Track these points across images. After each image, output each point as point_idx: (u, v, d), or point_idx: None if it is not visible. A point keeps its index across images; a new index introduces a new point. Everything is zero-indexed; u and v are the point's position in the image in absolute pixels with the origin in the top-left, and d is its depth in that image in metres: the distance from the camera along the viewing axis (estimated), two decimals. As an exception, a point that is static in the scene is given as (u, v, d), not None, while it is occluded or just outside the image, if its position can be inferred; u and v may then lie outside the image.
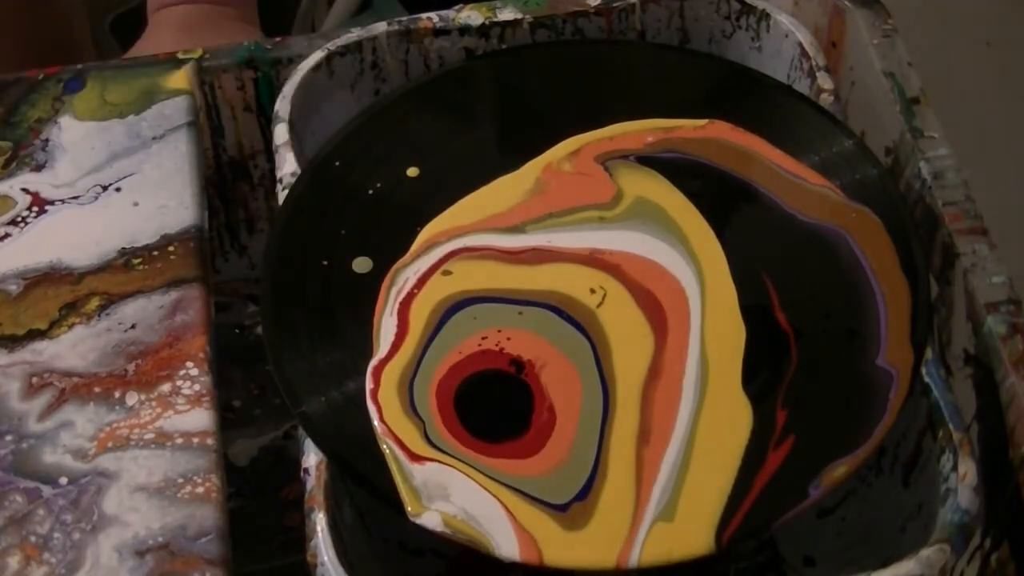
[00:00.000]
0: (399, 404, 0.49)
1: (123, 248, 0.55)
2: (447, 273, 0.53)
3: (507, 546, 0.46)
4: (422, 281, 0.53)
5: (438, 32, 0.61)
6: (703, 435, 0.48)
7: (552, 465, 0.48)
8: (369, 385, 0.50)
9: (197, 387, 0.50)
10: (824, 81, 0.59)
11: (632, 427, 0.49)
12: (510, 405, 0.50)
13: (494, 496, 0.47)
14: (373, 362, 0.50)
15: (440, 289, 0.53)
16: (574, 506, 0.47)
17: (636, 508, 0.46)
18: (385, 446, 0.48)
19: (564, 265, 0.53)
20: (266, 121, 0.63)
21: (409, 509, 0.46)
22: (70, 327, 0.52)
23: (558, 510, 0.46)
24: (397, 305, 0.52)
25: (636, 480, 0.47)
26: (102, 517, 0.47)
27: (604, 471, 0.47)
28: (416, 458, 0.48)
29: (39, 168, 0.58)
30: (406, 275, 0.53)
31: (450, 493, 0.47)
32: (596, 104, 0.59)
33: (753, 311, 0.52)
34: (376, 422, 0.49)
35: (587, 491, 0.47)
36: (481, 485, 0.47)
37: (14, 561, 0.46)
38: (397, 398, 0.49)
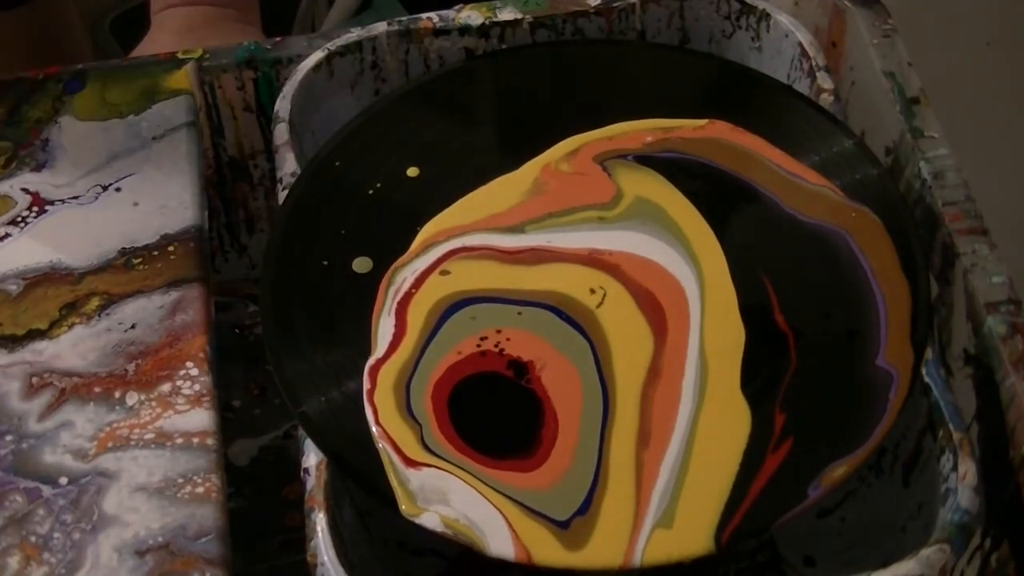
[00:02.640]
0: (395, 406, 0.49)
1: (123, 248, 0.55)
2: (445, 273, 0.53)
3: (505, 552, 0.45)
4: (420, 281, 0.53)
5: (438, 32, 0.61)
6: (702, 436, 0.48)
7: (554, 477, 0.47)
8: (366, 386, 0.50)
9: (197, 387, 0.50)
10: (824, 81, 0.59)
11: (632, 430, 0.49)
12: (516, 417, 0.49)
13: (495, 507, 0.46)
14: (370, 362, 0.50)
15: (438, 289, 0.53)
16: (575, 521, 0.46)
17: (636, 515, 0.46)
18: (381, 448, 0.48)
19: (563, 265, 0.53)
20: (266, 121, 0.63)
21: (403, 508, 0.46)
22: (70, 327, 0.52)
23: (560, 527, 0.46)
24: (395, 305, 0.52)
25: (636, 485, 0.47)
26: (102, 517, 0.47)
27: (605, 480, 0.47)
28: (412, 463, 0.47)
29: (39, 168, 0.58)
30: (404, 275, 0.53)
31: (449, 499, 0.47)
32: (596, 104, 0.59)
33: (753, 311, 0.52)
34: (372, 425, 0.49)
35: (588, 503, 0.47)
36: (481, 494, 0.47)
37: (14, 561, 0.46)
38: (393, 399, 0.49)
